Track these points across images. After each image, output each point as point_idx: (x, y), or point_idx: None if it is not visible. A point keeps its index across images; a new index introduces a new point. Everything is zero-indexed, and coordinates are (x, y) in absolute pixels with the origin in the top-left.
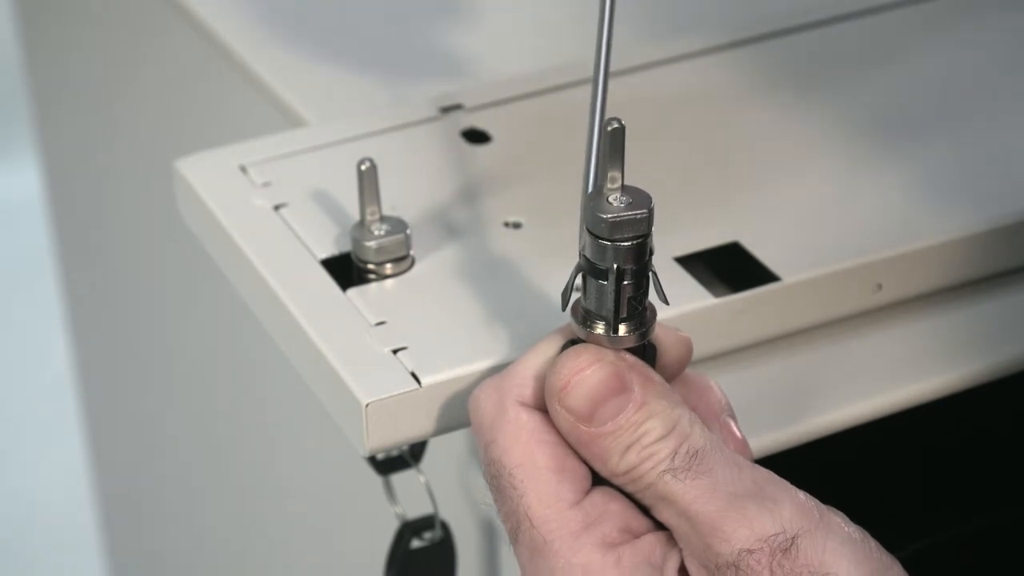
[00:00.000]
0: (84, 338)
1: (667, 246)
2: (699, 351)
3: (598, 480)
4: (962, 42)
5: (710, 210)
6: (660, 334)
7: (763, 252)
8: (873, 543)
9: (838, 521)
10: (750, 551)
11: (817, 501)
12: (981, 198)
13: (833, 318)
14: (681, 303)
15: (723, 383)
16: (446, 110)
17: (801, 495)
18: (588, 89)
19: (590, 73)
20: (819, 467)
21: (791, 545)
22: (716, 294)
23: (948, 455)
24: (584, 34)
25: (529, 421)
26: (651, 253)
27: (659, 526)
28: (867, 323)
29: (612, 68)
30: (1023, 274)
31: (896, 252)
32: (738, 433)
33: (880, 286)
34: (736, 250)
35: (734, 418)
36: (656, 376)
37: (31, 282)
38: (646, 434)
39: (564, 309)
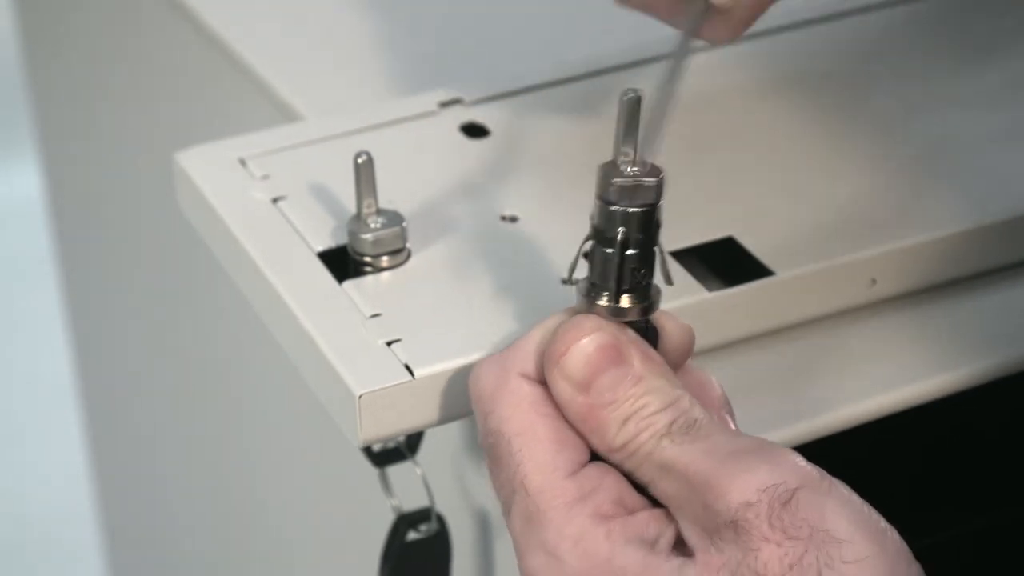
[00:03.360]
0: (84, 338)
1: (661, 240)
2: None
3: (596, 457)
4: (961, 40)
5: (704, 205)
6: (663, 320)
7: (757, 247)
8: (873, 510)
9: (838, 483)
10: (748, 504)
11: (818, 467)
12: (976, 194)
13: (827, 313)
14: (675, 297)
15: (716, 378)
16: (445, 104)
17: (801, 459)
18: (586, 84)
19: (588, 68)
20: None
21: (791, 497)
22: (710, 288)
23: (947, 455)
24: (583, 30)
25: (531, 392)
26: (658, 226)
27: (657, 505)
28: (861, 318)
29: (608, 64)
30: (1018, 270)
31: (891, 247)
32: (735, 430)
33: (874, 281)
34: (730, 245)
35: (732, 414)
36: (658, 356)
37: (31, 282)
38: (645, 406)
39: (569, 278)
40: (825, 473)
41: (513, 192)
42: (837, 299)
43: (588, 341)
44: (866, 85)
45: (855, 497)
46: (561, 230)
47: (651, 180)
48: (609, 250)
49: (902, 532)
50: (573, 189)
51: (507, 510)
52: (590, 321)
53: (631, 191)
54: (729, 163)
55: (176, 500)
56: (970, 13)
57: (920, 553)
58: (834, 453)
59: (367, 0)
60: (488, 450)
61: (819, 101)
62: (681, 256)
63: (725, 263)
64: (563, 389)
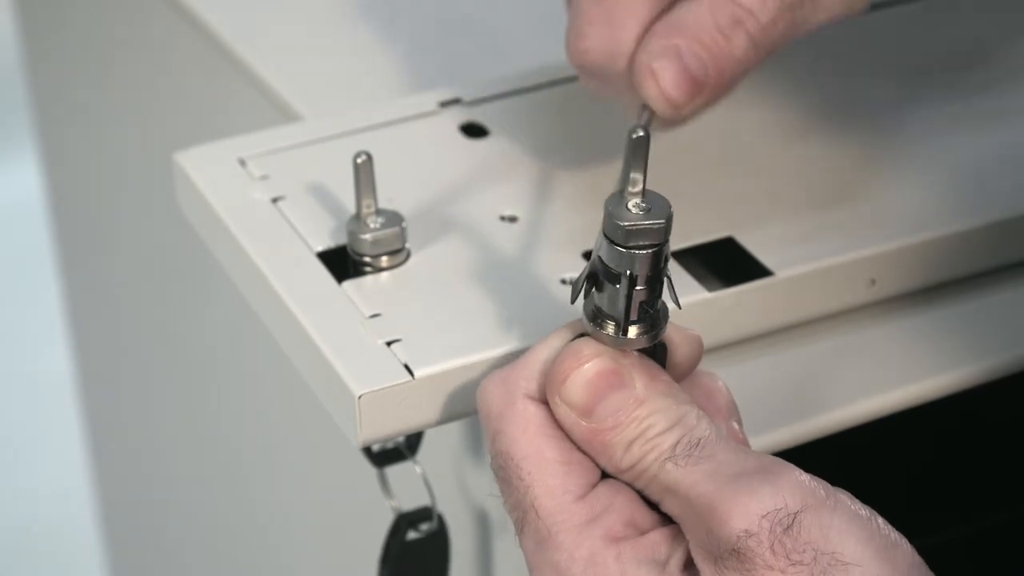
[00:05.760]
0: (84, 338)
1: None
2: None
3: (607, 474)
4: (959, 39)
5: (704, 205)
6: (670, 333)
7: (757, 247)
8: (880, 520)
9: (844, 499)
10: (749, 533)
11: (823, 481)
12: (976, 193)
13: (827, 313)
14: None
15: (723, 383)
16: (445, 104)
17: (805, 476)
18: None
19: None
20: (811, 469)
21: (793, 522)
22: (709, 288)
23: (946, 455)
24: None
25: (536, 414)
26: (667, 260)
27: (669, 522)
28: (861, 318)
29: None
30: (1018, 270)
31: (890, 247)
32: (742, 437)
33: (874, 281)
34: (730, 245)
35: (739, 421)
36: (663, 374)
37: (31, 282)
38: (650, 428)
39: (573, 302)
40: (830, 488)
41: (513, 192)
42: (837, 299)
43: (588, 367)
44: (866, 84)
45: (863, 510)
46: (561, 230)
47: (659, 223)
48: (616, 285)
49: (900, 532)
50: (573, 189)
51: (519, 530)
52: (589, 347)
53: (638, 234)
54: (729, 163)
55: (176, 500)
56: (966, 12)
57: (920, 553)
58: (833, 453)
59: (367, 0)
60: (497, 472)
61: (819, 100)
62: (681, 256)
63: (725, 263)
64: (566, 414)
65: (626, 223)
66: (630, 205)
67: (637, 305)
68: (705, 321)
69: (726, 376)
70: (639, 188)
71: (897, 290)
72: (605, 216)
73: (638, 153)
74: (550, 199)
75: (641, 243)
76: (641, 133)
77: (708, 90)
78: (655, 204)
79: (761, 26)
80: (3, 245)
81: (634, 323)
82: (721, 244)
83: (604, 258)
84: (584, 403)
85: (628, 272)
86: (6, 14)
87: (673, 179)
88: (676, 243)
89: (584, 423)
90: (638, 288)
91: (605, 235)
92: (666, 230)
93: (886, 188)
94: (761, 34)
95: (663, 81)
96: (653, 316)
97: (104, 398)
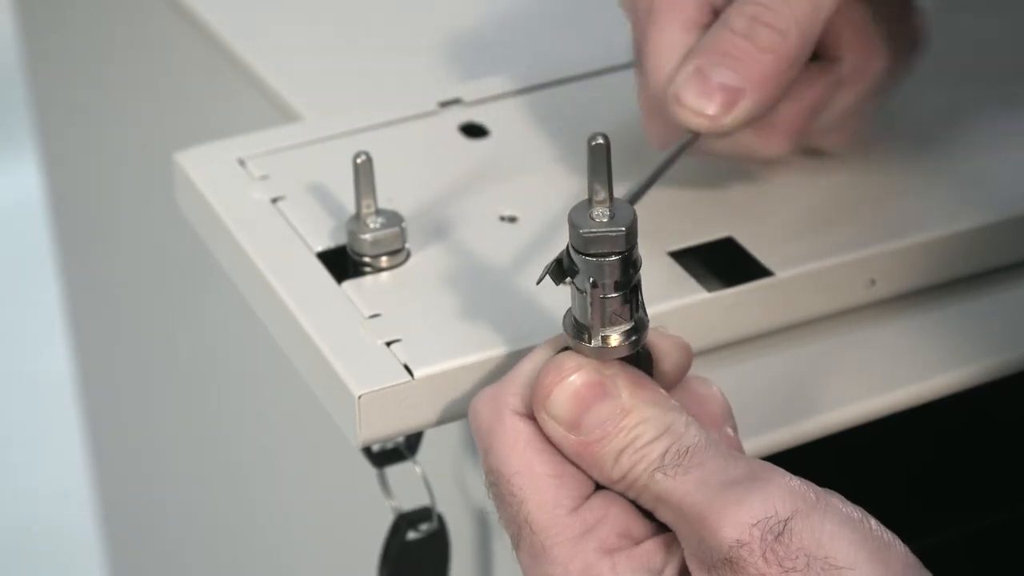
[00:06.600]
0: (84, 338)
1: (661, 240)
2: (692, 346)
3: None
4: (960, 39)
5: (704, 205)
6: (656, 340)
7: (757, 247)
8: (873, 521)
9: (835, 502)
10: (740, 543)
11: (813, 484)
12: (976, 194)
13: (826, 313)
14: (674, 298)
15: (714, 379)
16: (445, 104)
17: (795, 480)
18: (586, 84)
19: (588, 69)
20: (810, 469)
21: (784, 529)
22: (709, 289)
23: (946, 455)
24: (583, 29)
25: (525, 429)
26: (636, 268)
27: (664, 530)
28: (861, 319)
29: (608, 64)
30: (1018, 270)
31: (890, 247)
32: (737, 443)
33: (873, 281)
34: (730, 245)
35: (735, 427)
36: (649, 382)
37: (31, 282)
38: (638, 438)
39: (538, 283)
40: (821, 491)
41: (513, 192)
42: (836, 299)
43: (571, 380)
44: None
45: (855, 512)
46: (561, 230)
47: (618, 230)
48: (584, 294)
49: (900, 532)
50: (573, 189)
51: (515, 545)
52: (571, 360)
53: (599, 241)
54: (729, 163)
55: (176, 501)
56: (967, 12)
57: (919, 554)
58: (833, 453)
59: (366, 0)
60: (490, 488)
61: None
62: (680, 256)
63: (724, 263)
64: (553, 429)
65: (584, 230)
66: (593, 213)
67: (609, 314)
68: (705, 321)
69: (725, 377)
70: (603, 196)
71: (897, 290)
72: (569, 223)
73: (599, 161)
74: (550, 199)
75: (602, 251)
76: (600, 141)
77: (752, 91)
78: (619, 212)
79: (778, 14)
80: (3, 245)
81: (612, 332)
82: (721, 244)
83: (571, 266)
84: (570, 416)
85: (592, 280)
86: (6, 14)
87: (673, 179)
88: (676, 243)
89: (572, 436)
90: (608, 296)
91: (570, 244)
92: (627, 238)
93: (885, 188)
94: (781, 22)
95: (688, 101)
96: (629, 324)
97: (104, 398)
